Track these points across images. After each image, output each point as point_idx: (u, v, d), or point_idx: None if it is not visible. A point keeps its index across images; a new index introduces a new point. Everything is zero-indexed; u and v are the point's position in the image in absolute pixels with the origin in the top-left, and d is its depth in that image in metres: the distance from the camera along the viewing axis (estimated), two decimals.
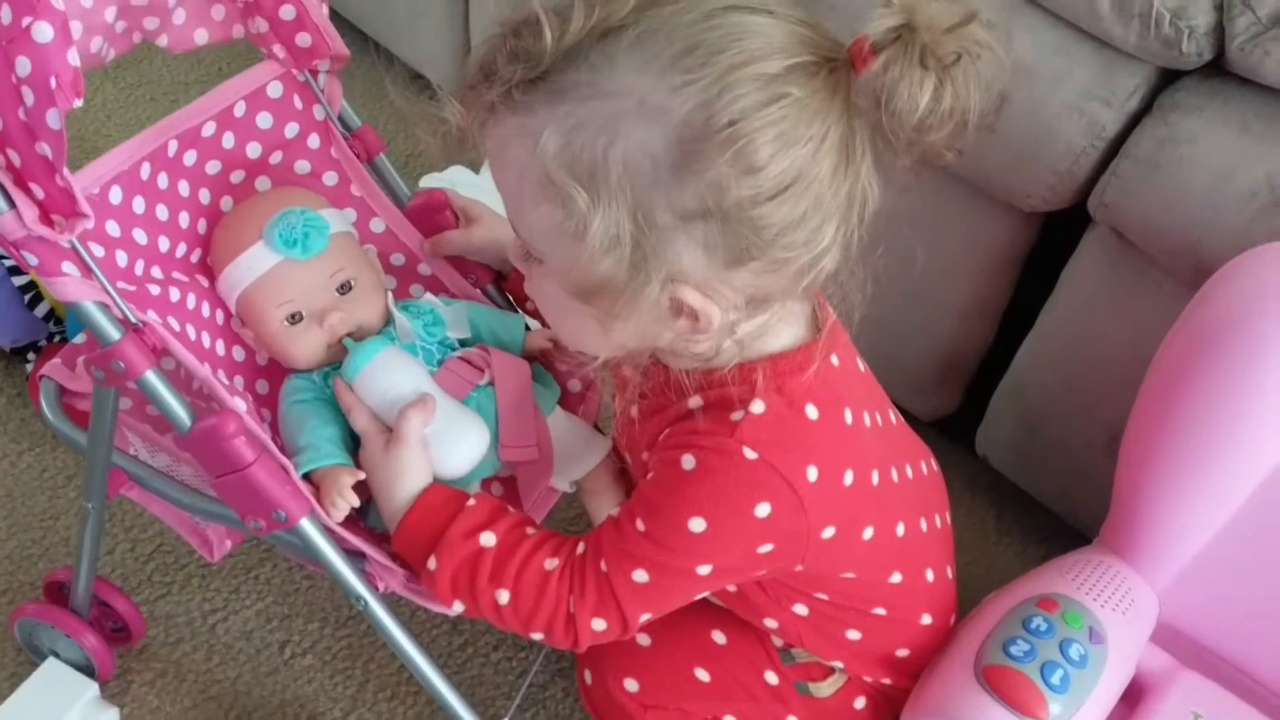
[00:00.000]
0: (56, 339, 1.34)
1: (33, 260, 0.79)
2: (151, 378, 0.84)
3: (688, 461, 0.84)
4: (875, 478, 0.91)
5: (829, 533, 0.88)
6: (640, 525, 0.86)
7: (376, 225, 1.07)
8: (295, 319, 0.95)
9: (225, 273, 0.95)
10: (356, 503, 0.90)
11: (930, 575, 1.00)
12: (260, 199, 0.99)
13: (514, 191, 0.79)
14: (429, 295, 1.04)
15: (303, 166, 1.04)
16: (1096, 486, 1.28)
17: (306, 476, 0.90)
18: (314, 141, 1.04)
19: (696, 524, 0.84)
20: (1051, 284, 1.28)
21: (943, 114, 0.73)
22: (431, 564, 0.89)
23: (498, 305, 1.09)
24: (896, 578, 0.97)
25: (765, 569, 0.89)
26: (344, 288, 0.96)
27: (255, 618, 1.26)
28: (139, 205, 0.91)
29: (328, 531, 0.90)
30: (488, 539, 0.89)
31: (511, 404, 0.99)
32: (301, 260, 0.94)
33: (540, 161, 0.74)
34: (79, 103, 0.75)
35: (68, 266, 0.81)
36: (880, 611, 0.98)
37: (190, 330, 0.92)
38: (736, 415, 0.83)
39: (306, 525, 0.89)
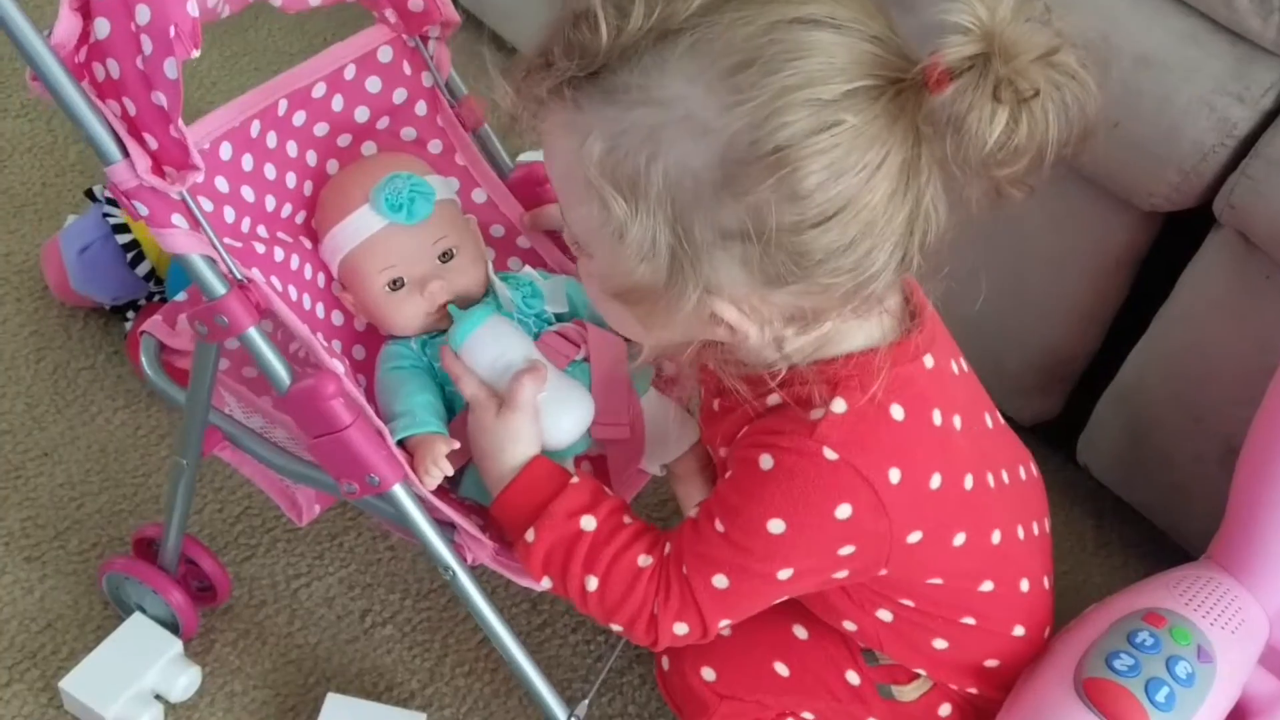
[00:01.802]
0: (156, 298, 1.35)
1: (143, 211, 0.80)
2: (254, 334, 0.84)
3: (765, 462, 0.82)
4: (969, 482, 0.88)
5: (915, 537, 0.85)
6: (719, 526, 0.84)
7: (478, 196, 1.06)
8: (396, 285, 0.95)
9: (330, 235, 0.95)
10: (450, 471, 0.89)
11: (1025, 585, 0.97)
12: (367, 163, 0.99)
13: (560, 183, 0.78)
14: (528, 268, 1.03)
15: (409, 133, 1.03)
16: (1204, 501, 1.23)
17: (401, 443, 0.90)
18: (421, 108, 1.03)
19: (776, 526, 0.82)
20: (1166, 288, 1.23)
21: (1015, 148, 0.70)
22: (530, 536, 0.88)
23: None
24: (988, 586, 0.93)
25: (847, 571, 0.87)
26: (446, 255, 0.96)
27: (338, 584, 1.26)
28: (248, 163, 0.91)
29: (419, 499, 0.89)
30: (588, 522, 0.88)
31: (606, 380, 0.98)
32: (406, 225, 0.93)
33: (584, 163, 0.72)
34: (196, 53, 0.75)
35: (177, 219, 0.81)
36: (969, 621, 0.95)
37: (292, 291, 0.92)
38: (816, 414, 0.81)
39: (399, 491, 0.88)
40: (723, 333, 0.78)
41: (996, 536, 0.92)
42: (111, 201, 1.33)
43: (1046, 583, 1.01)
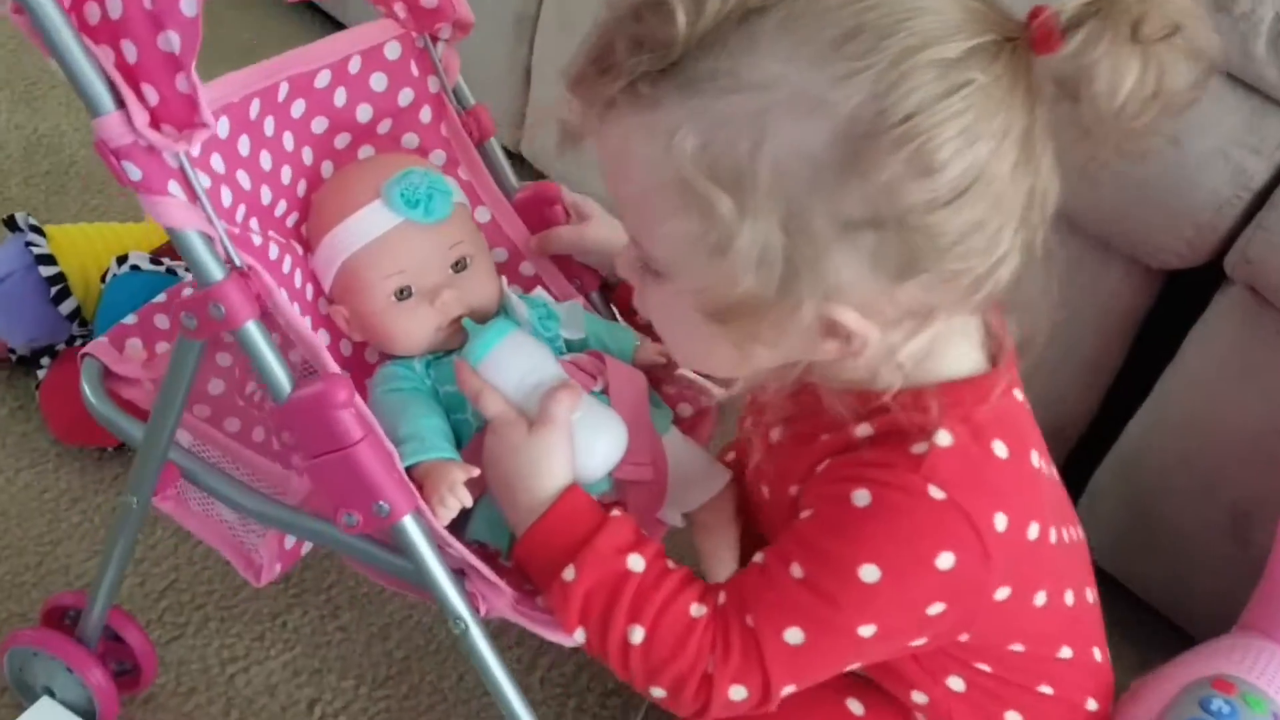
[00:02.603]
0: (79, 342, 1.20)
1: (135, 174, 0.68)
2: (253, 329, 0.72)
3: (861, 497, 0.72)
4: (1053, 535, 0.80)
5: (1003, 594, 0.76)
6: (797, 572, 0.74)
7: (481, 214, 0.96)
8: (404, 294, 0.83)
9: (331, 235, 0.83)
10: (469, 501, 0.77)
11: (1097, 654, 0.88)
12: (376, 159, 0.88)
13: (638, 200, 0.69)
14: (539, 290, 0.93)
15: (410, 140, 0.93)
16: (1212, 577, 1.18)
17: (408, 473, 0.77)
18: (426, 115, 0.93)
19: (869, 573, 0.71)
20: (1169, 348, 1.19)
21: (1146, 98, 0.63)
22: (569, 574, 0.76)
23: (599, 314, 0.98)
24: (1066, 653, 0.85)
25: (927, 636, 0.77)
26: (460, 264, 0.85)
27: (281, 670, 1.09)
28: (244, 146, 0.80)
29: (433, 534, 0.76)
30: (636, 562, 0.76)
31: (627, 416, 0.87)
32: (422, 224, 0.82)
33: (674, 165, 0.63)
34: None
35: (174, 187, 0.69)
36: (1046, 690, 0.85)
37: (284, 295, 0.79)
38: (919, 448, 0.72)
39: (409, 524, 0.75)
40: (832, 347, 0.68)
41: (1070, 598, 0.84)
42: (36, 229, 1.18)
43: (1107, 654, 0.92)
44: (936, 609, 0.73)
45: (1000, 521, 0.72)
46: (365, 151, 0.91)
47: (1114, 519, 1.27)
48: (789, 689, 0.76)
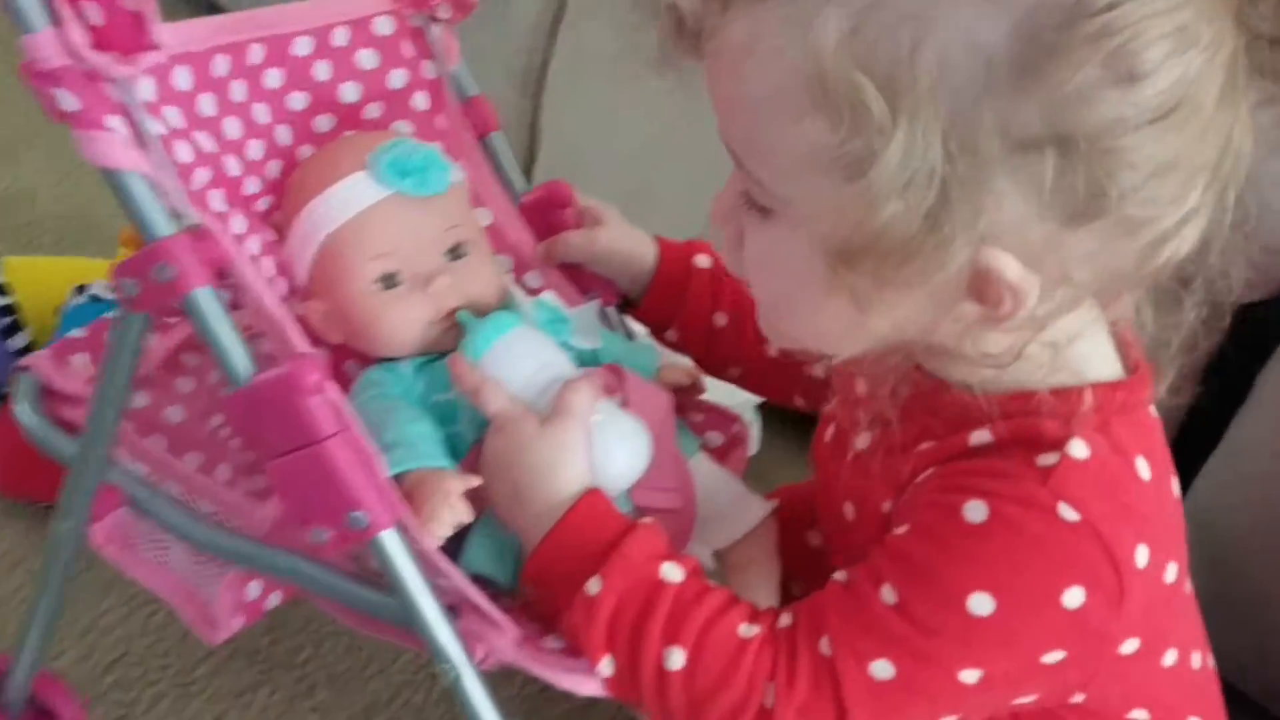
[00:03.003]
0: None
1: (69, 103, 0.57)
2: (206, 296, 0.60)
3: (975, 511, 0.59)
4: (1188, 582, 0.67)
5: (1131, 646, 0.62)
6: (889, 596, 0.61)
7: (483, 217, 0.85)
8: (391, 281, 0.72)
9: (307, 209, 0.72)
10: (469, 517, 0.64)
11: None
12: (362, 135, 0.78)
13: (758, 103, 0.56)
14: (548, 293, 0.81)
15: (402, 128, 0.82)
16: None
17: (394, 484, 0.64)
18: (421, 101, 0.83)
19: (980, 603, 0.59)
20: (1242, 391, 1.08)
21: None
22: (594, 587, 0.62)
23: (616, 330, 0.87)
24: None
25: (1037, 692, 0.63)
26: (456, 251, 0.74)
27: None
28: (207, 105, 0.69)
29: (422, 558, 0.63)
30: (672, 572, 0.63)
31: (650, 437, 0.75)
32: (415, 198, 0.71)
33: (813, 55, 0.52)
34: None
35: (114, 122, 0.58)
36: None
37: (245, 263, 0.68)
38: (1047, 459, 0.59)
39: (390, 541, 0.62)
40: (972, 312, 0.56)
41: (1197, 660, 0.71)
42: None
43: None
44: (1054, 657, 0.60)
45: (1141, 556, 0.59)
46: (349, 135, 0.80)
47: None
48: None
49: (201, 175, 0.67)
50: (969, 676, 0.60)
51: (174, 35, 0.66)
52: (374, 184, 0.71)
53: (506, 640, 0.65)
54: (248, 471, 0.83)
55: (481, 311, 0.74)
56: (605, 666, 0.63)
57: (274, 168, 0.76)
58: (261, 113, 0.74)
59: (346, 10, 0.78)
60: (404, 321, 0.72)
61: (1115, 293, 0.59)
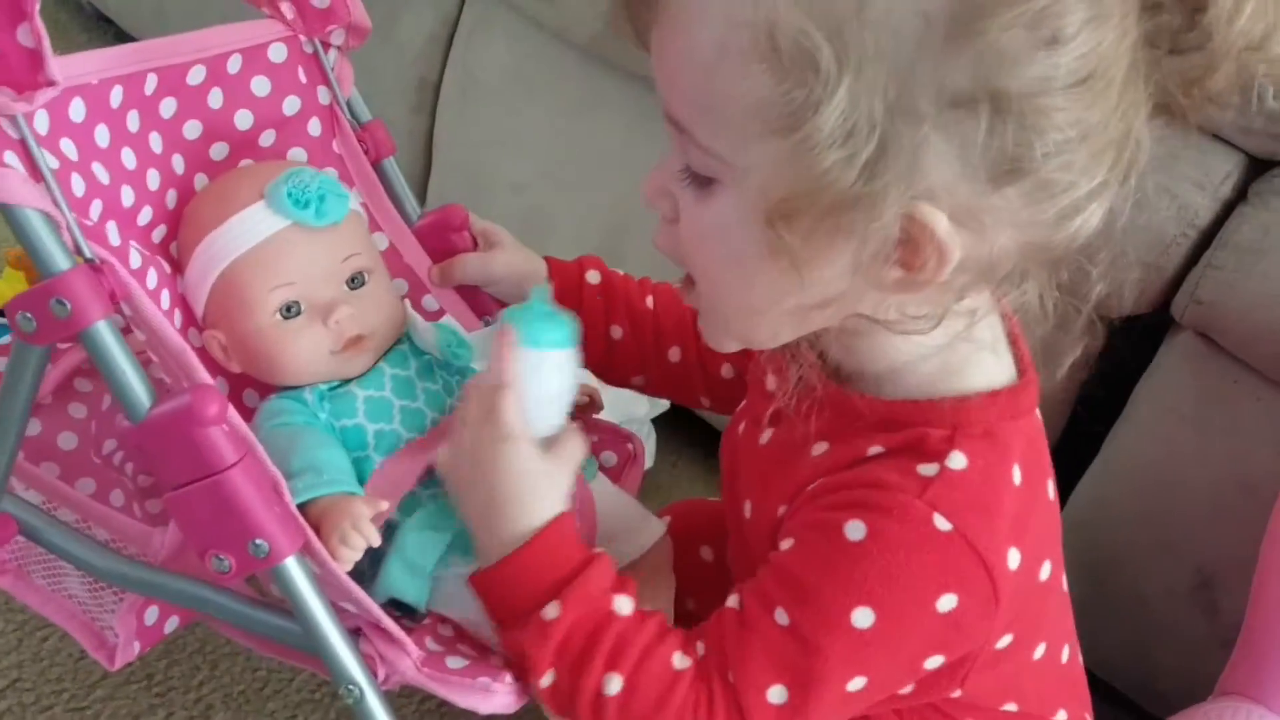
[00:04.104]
0: None
1: None
2: (104, 330, 0.60)
3: (854, 530, 0.62)
4: (1064, 581, 0.72)
5: (1005, 641, 0.67)
6: (782, 618, 0.64)
7: (379, 241, 0.86)
8: (291, 311, 0.72)
9: (206, 241, 0.72)
10: (376, 541, 0.65)
11: None
12: (258, 165, 0.78)
13: (706, 59, 0.57)
14: (448, 318, 0.83)
15: (298, 154, 0.83)
16: (1177, 647, 1.10)
17: (302, 511, 0.65)
18: (315, 127, 0.84)
19: (862, 617, 0.62)
20: (1118, 402, 1.13)
21: (1264, 35, 0.56)
22: (552, 611, 0.65)
23: None
24: (1061, 717, 0.75)
25: (913, 687, 0.67)
26: (356, 280, 0.75)
27: None
28: (102, 136, 0.69)
29: (328, 580, 0.64)
30: (622, 605, 0.66)
31: None
32: (313, 228, 0.72)
33: (765, 10, 0.53)
34: None
35: (10, 158, 0.58)
36: None
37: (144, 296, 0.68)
38: (927, 469, 0.63)
39: (293, 568, 0.63)
40: (896, 277, 0.58)
41: (1065, 654, 0.75)
42: None
43: None
44: (934, 661, 0.64)
45: (1013, 558, 0.63)
46: (245, 164, 0.80)
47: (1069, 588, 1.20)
48: None
49: (97, 208, 0.67)
50: (855, 685, 0.63)
51: (69, 68, 0.65)
52: (272, 214, 0.71)
53: (409, 661, 0.66)
54: (142, 496, 0.83)
55: (383, 341, 0.75)
56: (546, 679, 0.66)
57: (170, 198, 0.76)
58: (156, 142, 0.74)
59: (240, 38, 0.79)
60: (306, 351, 0.73)
61: (1025, 268, 0.61)
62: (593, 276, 0.87)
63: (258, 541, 0.62)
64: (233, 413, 0.61)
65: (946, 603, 0.62)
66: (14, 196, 0.58)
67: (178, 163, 0.76)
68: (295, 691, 1.02)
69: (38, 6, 0.56)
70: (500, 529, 0.67)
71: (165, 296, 0.73)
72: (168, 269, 0.74)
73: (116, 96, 0.70)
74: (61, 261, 0.59)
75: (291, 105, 0.82)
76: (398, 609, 0.71)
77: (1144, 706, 1.15)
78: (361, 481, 0.72)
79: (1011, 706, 0.72)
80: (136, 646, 0.79)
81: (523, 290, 0.86)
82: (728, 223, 0.60)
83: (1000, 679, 0.70)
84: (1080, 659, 0.80)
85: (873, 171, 0.54)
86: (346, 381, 0.74)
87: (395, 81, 1.51)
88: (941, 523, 0.61)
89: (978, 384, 0.65)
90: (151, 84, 0.73)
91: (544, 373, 0.69)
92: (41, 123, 0.63)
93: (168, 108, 0.75)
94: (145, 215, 0.73)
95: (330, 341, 0.73)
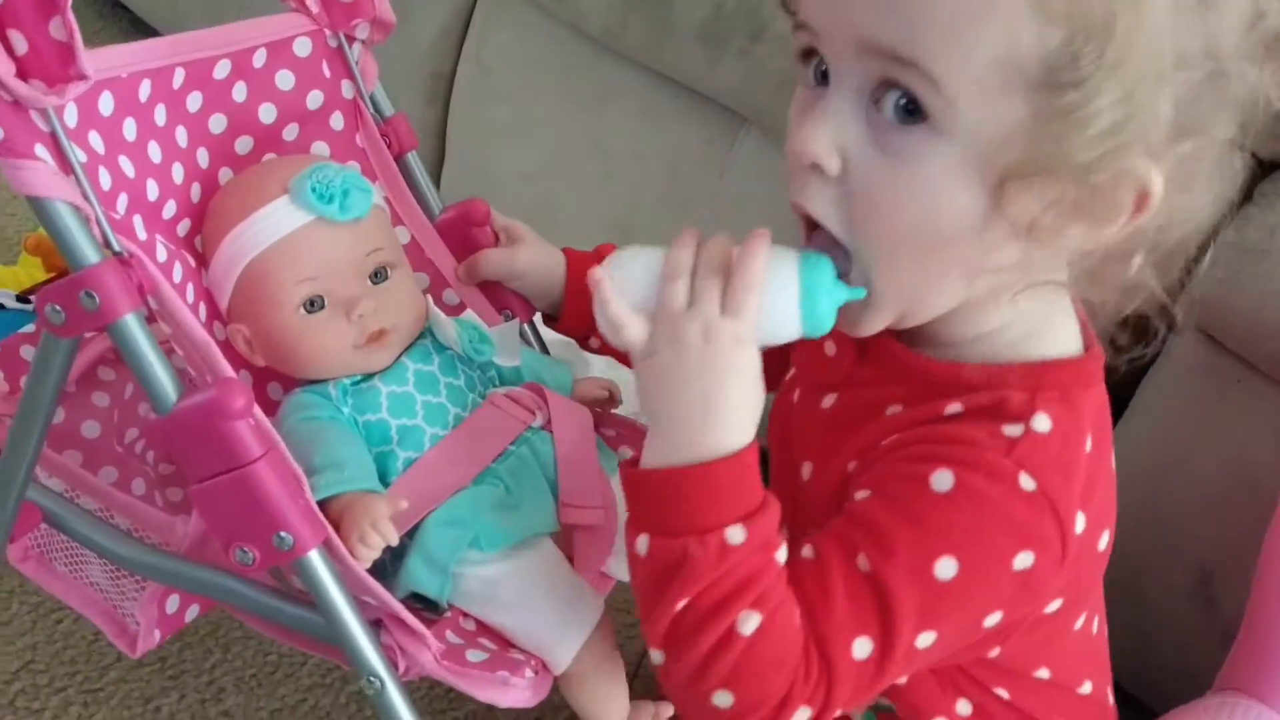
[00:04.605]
0: None
1: None
2: (132, 323, 0.61)
3: (941, 480, 0.61)
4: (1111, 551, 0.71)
5: (1054, 605, 0.66)
6: (864, 564, 0.61)
7: (401, 235, 0.86)
8: (315, 306, 0.73)
9: (230, 236, 0.73)
10: (394, 539, 0.66)
11: (1110, 696, 0.79)
12: (283, 158, 0.79)
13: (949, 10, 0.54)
14: (469, 312, 0.83)
15: (320, 148, 0.84)
16: (1177, 642, 1.11)
17: (323, 508, 0.66)
18: (338, 121, 0.84)
19: (946, 568, 0.61)
20: (1121, 401, 1.14)
21: None
22: (737, 535, 0.60)
23: (532, 347, 0.89)
24: (1087, 688, 0.75)
25: (965, 650, 0.66)
26: (379, 274, 0.75)
27: None
28: (130, 130, 0.69)
29: (347, 575, 0.65)
30: (782, 553, 0.63)
31: (573, 454, 0.78)
32: (337, 223, 0.72)
33: None
34: None
35: (42, 150, 0.58)
36: None
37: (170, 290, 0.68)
38: (1012, 429, 0.62)
39: (316, 561, 0.64)
40: (1077, 234, 0.57)
41: (1096, 625, 0.75)
42: None
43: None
44: (994, 619, 0.63)
45: (1080, 522, 0.62)
46: (269, 159, 0.81)
47: None
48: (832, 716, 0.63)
49: (123, 201, 0.67)
50: (925, 640, 0.62)
51: (99, 61, 0.66)
52: (297, 209, 0.72)
53: (429, 654, 0.67)
54: (163, 484, 0.83)
55: (406, 335, 0.76)
56: (682, 603, 0.60)
57: (195, 191, 0.76)
58: (182, 136, 0.75)
59: (266, 32, 0.79)
60: (329, 345, 0.73)
61: (1167, 233, 0.60)
62: None
63: (282, 534, 0.62)
64: (257, 407, 0.62)
65: (1022, 560, 0.61)
66: (45, 189, 0.58)
67: (202, 156, 0.77)
68: (306, 675, 1.03)
69: (70, 1, 0.56)
70: (707, 432, 0.61)
71: (190, 290, 0.73)
72: (192, 262, 0.75)
73: (145, 90, 0.70)
74: (91, 254, 0.59)
75: (315, 99, 0.83)
76: (419, 601, 0.72)
77: (1143, 701, 1.16)
78: (384, 474, 0.73)
79: (1044, 673, 0.71)
80: (157, 634, 0.80)
81: (545, 286, 0.87)
82: (937, 180, 0.57)
83: (1038, 643, 0.69)
84: (1106, 632, 0.80)
85: (1118, 135, 0.54)
86: (370, 376, 0.75)
87: (409, 73, 1.51)
88: (1027, 481, 0.60)
89: (1053, 351, 0.65)
90: (179, 78, 0.73)
91: (789, 294, 0.61)
92: (71, 116, 0.64)
93: (194, 101, 0.75)
94: (170, 209, 0.74)
95: (353, 336, 0.73)
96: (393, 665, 0.67)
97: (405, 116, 0.87)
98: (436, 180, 1.57)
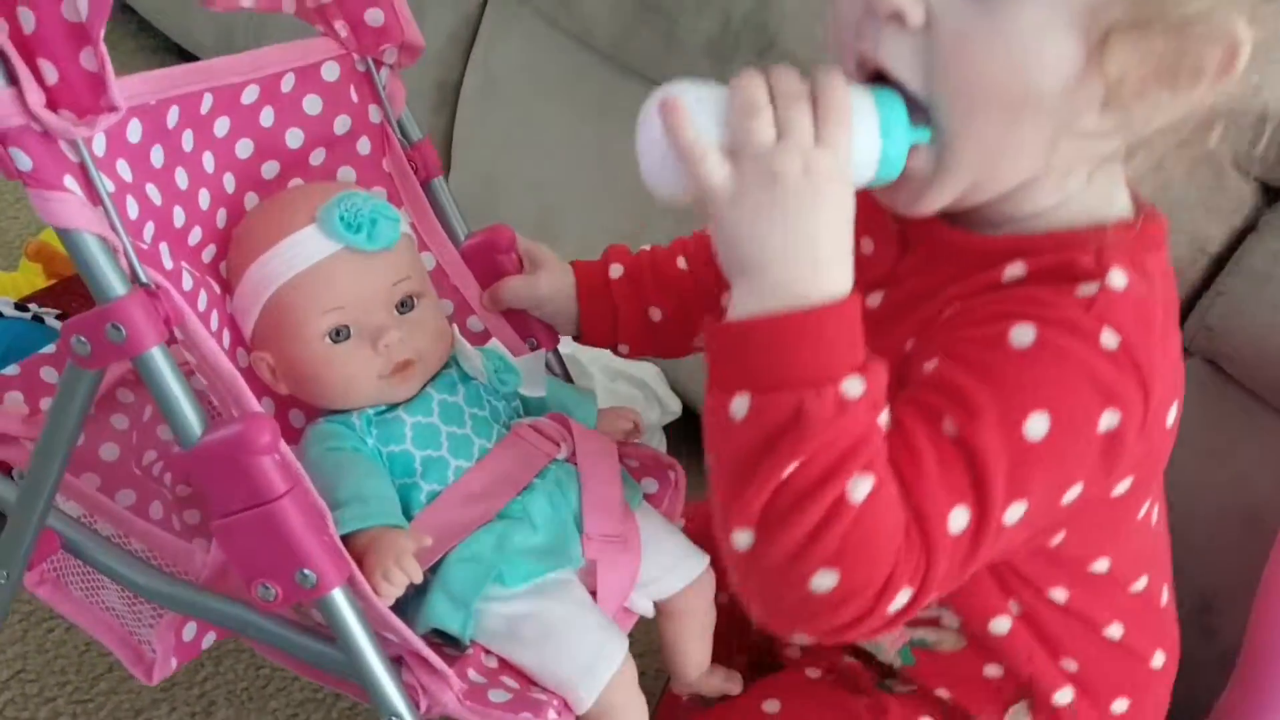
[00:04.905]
0: None
1: (24, 163, 0.57)
2: (158, 356, 0.60)
3: (1022, 334, 0.58)
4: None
5: (1124, 487, 0.63)
6: (950, 428, 0.57)
7: (426, 261, 0.85)
8: (340, 335, 0.72)
9: (257, 264, 0.72)
10: (418, 577, 0.65)
11: (1165, 596, 0.77)
12: (309, 185, 0.78)
13: None
14: (495, 341, 0.82)
15: (347, 174, 0.83)
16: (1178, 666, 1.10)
17: (346, 543, 0.65)
18: (364, 146, 0.84)
19: (1037, 425, 0.57)
20: None
21: None
22: (855, 388, 0.55)
23: (557, 376, 0.88)
24: (1142, 584, 0.73)
25: (1042, 531, 0.63)
26: (405, 304, 0.74)
27: None
28: (157, 156, 0.69)
29: (370, 612, 0.64)
30: (885, 416, 0.58)
31: (598, 487, 0.77)
32: (365, 252, 0.72)
33: None
34: None
35: (70, 182, 0.58)
36: (1113, 633, 0.73)
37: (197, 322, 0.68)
38: (1087, 288, 0.59)
39: (340, 599, 0.63)
40: (1158, 104, 0.56)
41: (1156, 515, 0.72)
42: None
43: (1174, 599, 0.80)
44: (1073, 492, 0.60)
45: (1157, 389, 0.59)
46: (295, 184, 0.80)
47: None
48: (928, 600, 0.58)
49: (150, 229, 0.67)
50: (1013, 513, 0.58)
51: (129, 88, 0.65)
52: (324, 238, 0.71)
53: (452, 694, 0.66)
54: (180, 507, 0.82)
55: (431, 365, 0.75)
56: (792, 466, 0.54)
57: (220, 217, 0.75)
58: (209, 161, 0.74)
59: (295, 57, 0.79)
60: (355, 375, 0.73)
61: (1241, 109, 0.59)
62: (616, 271, 0.86)
63: (305, 571, 0.61)
64: (283, 442, 0.61)
65: (1108, 421, 0.58)
66: (73, 221, 0.57)
67: (229, 181, 0.76)
68: (298, 690, 1.02)
69: (103, 31, 0.56)
70: (815, 275, 0.55)
71: (215, 317, 0.73)
72: (217, 289, 0.74)
73: (173, 116, 0.70)
74: (118, 287, 0.59)
75: (342, 124, 0.82)
76: (440, 637, 0.71)
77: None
78: (407, 507, 0.72)
79: (1102, 564, 0.69)
80: (174, 662, 0.79)
81: (569, 309, 0.86)
82: (1035, 30, 0.55)
83: (1101, 528, 0.67)
84: (1167, 527, 0.77)
85: None
86: (394, 406, 0.74)
87: (416, 81, 1.50)
88: (1109, 338, 0.58)
89: (1119, 209, 0.63)
90: (207, 103, 0.73)
91: (870, 129, 0.57)
92: (99, 144, 0.63)
93: (221, 126, 0.75)
94: (195, 235, 0.73)
95: (379, 366, 0.73)
96: (414, 704, 0.66)
97: (430, 141, 0.86)
98: None
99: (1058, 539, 0.66)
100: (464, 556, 0.70)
